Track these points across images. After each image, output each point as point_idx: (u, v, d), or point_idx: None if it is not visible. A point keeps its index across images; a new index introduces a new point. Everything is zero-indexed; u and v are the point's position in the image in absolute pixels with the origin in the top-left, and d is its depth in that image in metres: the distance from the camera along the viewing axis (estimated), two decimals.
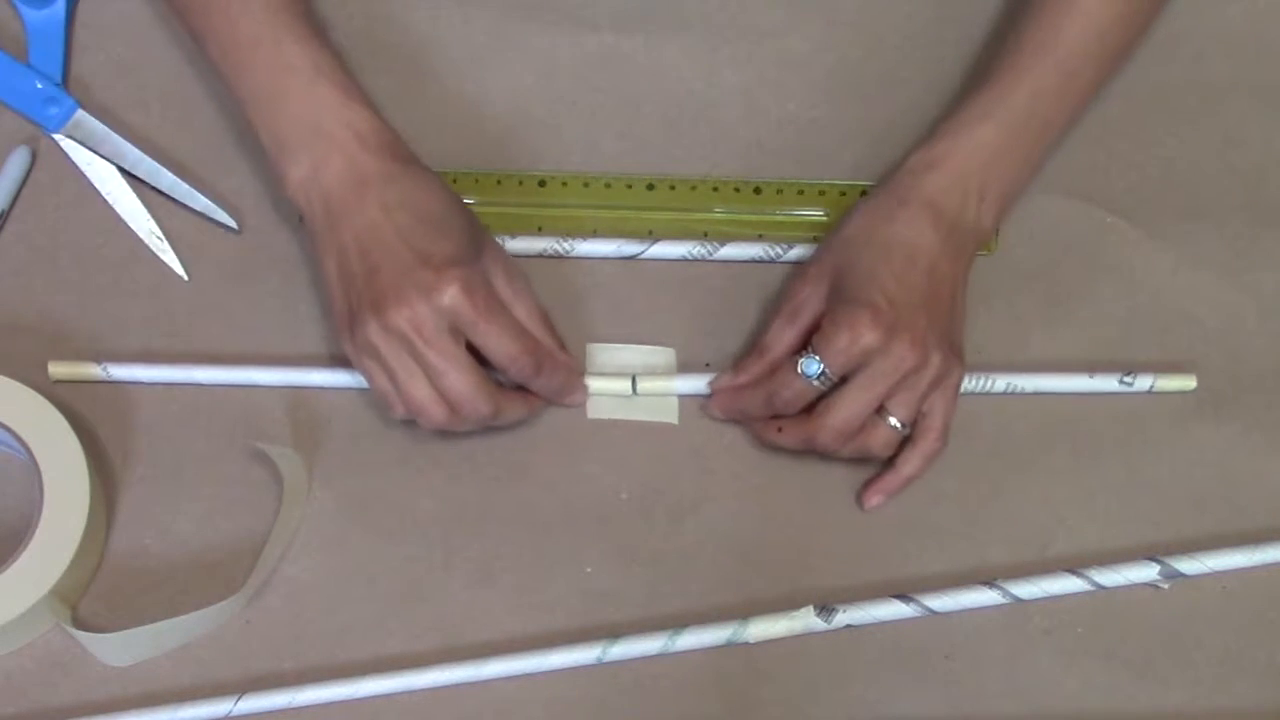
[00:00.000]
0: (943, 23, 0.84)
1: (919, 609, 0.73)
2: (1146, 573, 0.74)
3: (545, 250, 0.79)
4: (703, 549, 0.74)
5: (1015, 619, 0.73)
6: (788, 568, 0.74)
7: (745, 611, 0.72)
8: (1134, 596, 0.74)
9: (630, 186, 0.80)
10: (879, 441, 0.72)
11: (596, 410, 0.76)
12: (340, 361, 0.75)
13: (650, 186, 0.80)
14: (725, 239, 0.79)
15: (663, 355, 0.77)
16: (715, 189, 0.80)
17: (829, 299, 0.73)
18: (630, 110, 0.82)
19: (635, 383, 0.76)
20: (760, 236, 0.79)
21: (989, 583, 0.73)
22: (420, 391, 0.70)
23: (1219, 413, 0.77)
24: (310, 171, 0.71)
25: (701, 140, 0.82)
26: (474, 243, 0.72)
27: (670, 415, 0.76)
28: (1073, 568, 0.74)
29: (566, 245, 0.79)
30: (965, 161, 0.73)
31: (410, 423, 0.72)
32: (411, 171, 0.72)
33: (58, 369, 0.75)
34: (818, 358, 0.70)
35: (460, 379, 0.69)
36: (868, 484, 0.75)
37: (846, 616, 0.72)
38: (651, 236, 0.79)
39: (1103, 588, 0.73)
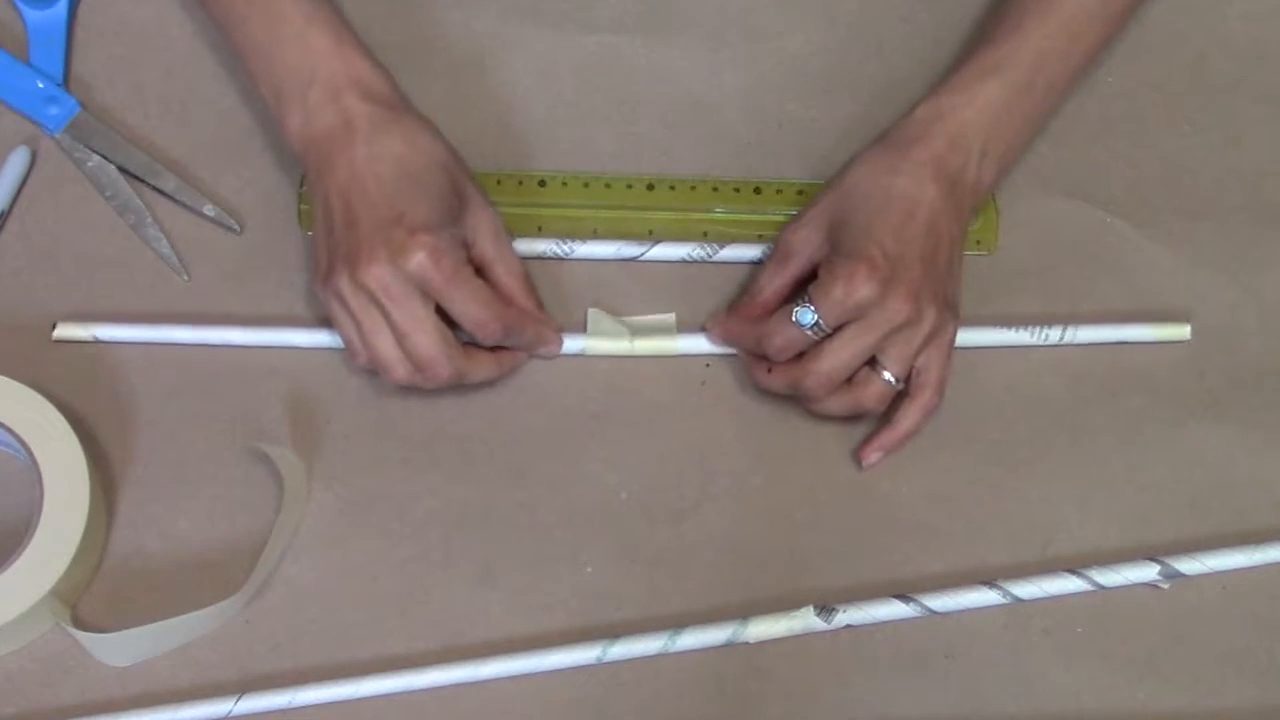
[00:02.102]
0: (942, 23, 0.84)
1: (919, 609, 0.72)
2: (1146, 573, 0.74)
3: (545, 253, 0.79)
4: (703, 549, 0.74)
5: (1015, 619, 0.73)
6: (788, 568, 0.74)
7: (745, 611, 0.72)
8: (1134, 596, 0.74)
9: (630, 186, 0.80)
10: (872, 396, 0.72)
11: (595, 349, 0.76)
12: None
13: (650, 186, 0.80)
14: (726, 240, 0.79)
15: (663, 320, 0.77)
16: (715, 189, 0.80)
17: (825, 249, 0.73)
18: (630, 110, 0.82)
19: (632, 341, 0.77)
20: (760, 237, 0.79)
21: (989, 583, 0.73)
22: (385, 348, 0.71)
23: (1218, 413, 0.77)
24: (304, 119, 0.72)
25: (701, 140, 0.82)
26: (453, 203, 0.72)
27: (669, 341, 0.76)
28: (1073, 568, 0.74)
29: (566, 248, 0.78)
30: (969, 117, 0.73)
31: (375, 374, 0.73)
32: (402, 120, 0.72)
33: (64, 330, 0.75)
34: (813, 308, 0.71)
35: (425, 340, 0.70)
36: (865, 441, 0.75)
37: (846, 616, 0.72)
38: (652, 237, 0.79)
39: (1103, 588, 0.73)
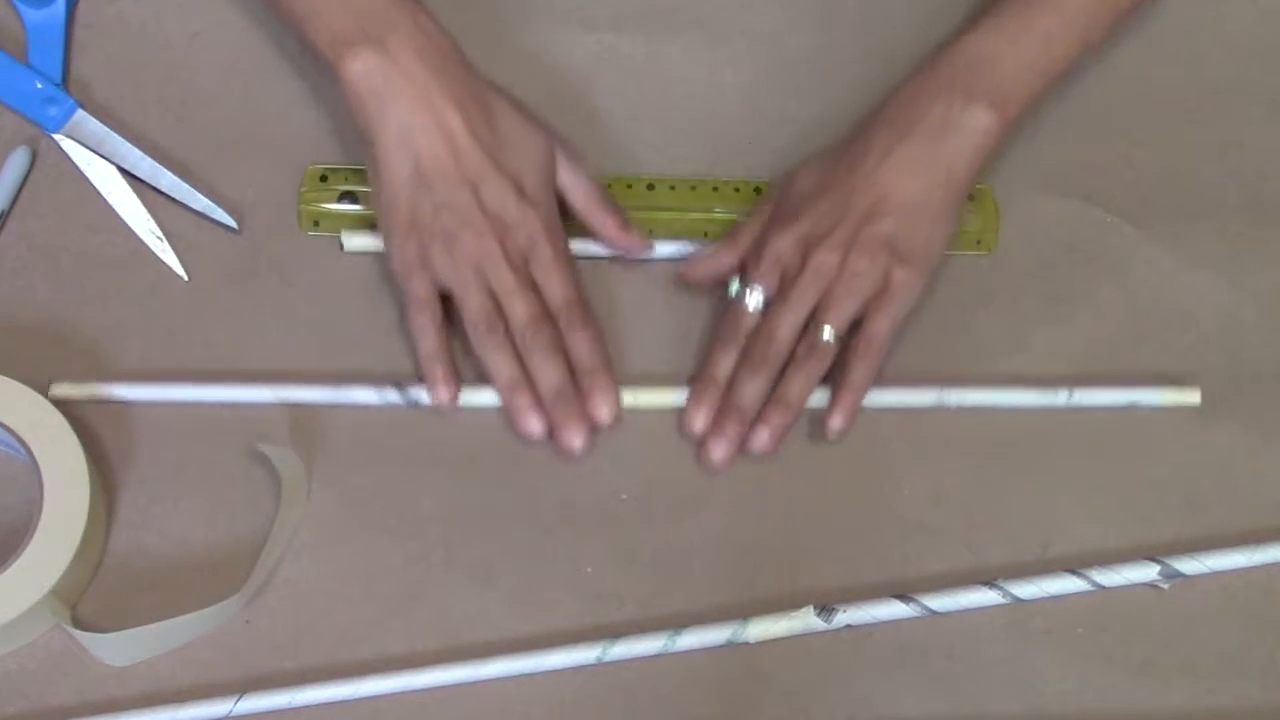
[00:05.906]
0: (943, 23, 0.83)
1: (919, 609, 0.73)
2: (1146, 573, 0.74)
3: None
4: (703, 549, 0.74)
5: (1015, 619, 0.73)
6: (788, 568, 0.74)
7: (745, 611, 0.72)
8: (1134, 596, 0.74)
9: (630, 186, 0.80)
10: (811, 350, 0.72)
11: None
12: (340, 378, 0.76)
13: (650, 186, 0.80)
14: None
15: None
16: (715, 189, 0.80)
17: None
18: (630, 110, 0.82)
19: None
20: None
21: (989, 583, 0.73)
22: (482, 301, 0.72)
23: (1219, 413, 0.77)
24: (370, 65, 0.71)
25: (701, 140, 0.82)
26: (551, 163, 0.75)
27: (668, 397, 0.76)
28: (1073, 568, 0.74)
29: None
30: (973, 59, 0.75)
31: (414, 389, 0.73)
32: (477, 83, 0.74)
33: (60, 389, 0.74)
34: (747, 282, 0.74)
35: (568, 275, 0.73)
36: (828, 408, 0.74)
37: (846, 616, 0.72)
38: (652, 237, 0.79)
39: (1103, 588, 0.73)
